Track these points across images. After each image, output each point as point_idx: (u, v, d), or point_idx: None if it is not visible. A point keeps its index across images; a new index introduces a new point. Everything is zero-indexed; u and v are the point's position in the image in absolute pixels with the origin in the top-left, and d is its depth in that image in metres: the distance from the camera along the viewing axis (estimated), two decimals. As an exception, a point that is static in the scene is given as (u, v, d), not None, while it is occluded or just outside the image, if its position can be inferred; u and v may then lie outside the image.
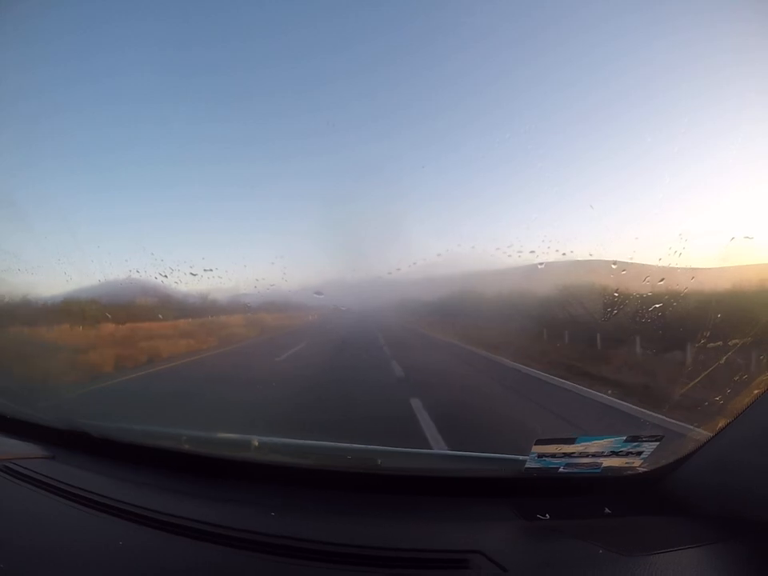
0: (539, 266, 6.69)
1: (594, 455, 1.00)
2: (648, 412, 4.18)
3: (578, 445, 1.00)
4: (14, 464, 1.28)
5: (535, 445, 1.01)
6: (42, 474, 1.22)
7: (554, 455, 1.01)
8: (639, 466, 1.02)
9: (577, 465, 1.01)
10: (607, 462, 1.01)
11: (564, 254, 7.37)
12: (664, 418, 3.80)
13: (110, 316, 12.32)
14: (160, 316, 13.84)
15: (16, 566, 0.87)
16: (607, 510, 0.99)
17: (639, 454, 1.00)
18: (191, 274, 7.88)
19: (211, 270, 8.58)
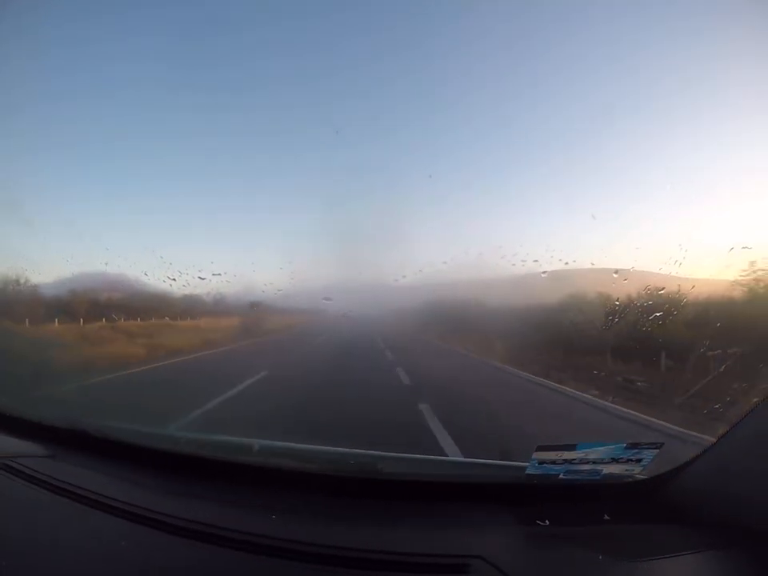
0: (542, 275, 6.72)
1: (594, 462, 1.00)
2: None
3: (579, 451, 1.00)
4: (14, 462, 1.28)
5: (536, 451, 1.01)
6: (42, 472, 1.22)
7: (554, 462, 1.01)
8: (639, 474, 1.02)
9: (577, 471, 1.01)
10: (607, 469, 1.01)
11: (567, 262, 7.42)
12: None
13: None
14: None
15: (16, 564, 0.87)
16: (606, 517, 0.99)
17: (639, 461, 1.00)
18: (199, 278, 8.04)
19: (220, 275, 8.73)
